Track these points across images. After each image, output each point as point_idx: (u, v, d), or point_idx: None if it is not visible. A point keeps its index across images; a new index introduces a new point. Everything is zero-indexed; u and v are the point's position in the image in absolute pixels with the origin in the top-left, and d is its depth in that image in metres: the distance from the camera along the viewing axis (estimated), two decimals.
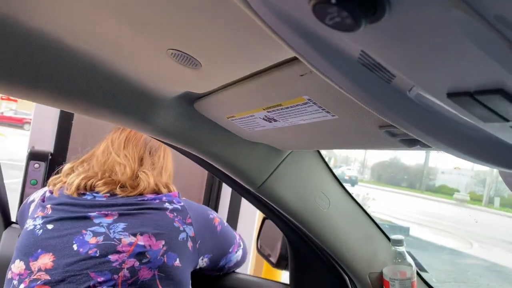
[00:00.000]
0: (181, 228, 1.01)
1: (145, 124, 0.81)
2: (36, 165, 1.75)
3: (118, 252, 0.92)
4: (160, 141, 1.00)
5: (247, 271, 2.17)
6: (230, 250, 1.22)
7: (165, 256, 0.95)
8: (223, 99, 0.71)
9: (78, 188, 1.05)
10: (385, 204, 13.58)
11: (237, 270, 1.46)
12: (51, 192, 1.08)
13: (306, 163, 1.03)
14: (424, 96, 0.35)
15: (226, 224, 1.23)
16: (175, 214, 1.03)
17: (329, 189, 1.07)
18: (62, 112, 1.88)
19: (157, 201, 1.03)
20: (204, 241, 1.08)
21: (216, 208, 2.08)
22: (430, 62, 0.27)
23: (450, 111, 0.35)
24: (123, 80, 0.72)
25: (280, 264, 1.40)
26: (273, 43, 0.45)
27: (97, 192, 1.04)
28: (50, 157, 1.78)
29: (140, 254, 0.93)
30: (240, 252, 1.29)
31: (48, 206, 1.02)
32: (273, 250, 1.46)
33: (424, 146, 0.54)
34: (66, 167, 1.15)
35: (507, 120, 0.29)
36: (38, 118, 1.88)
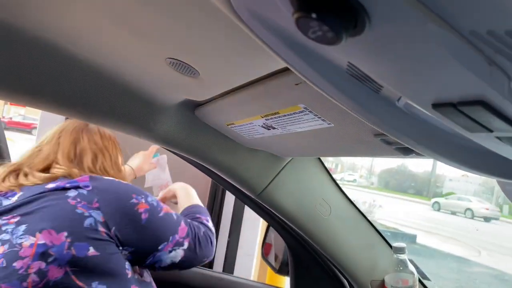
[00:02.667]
0: (86, 214, 0.89)
1: (147, 131, 0.82)
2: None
3: (21, 258, 0.84)
4: (164, 148, 1.00)
5: (250, 277, 2.17)
6: (160, 247, 0.98)
7: (72, 248, 0.85)
8: (222, 107, 0.72)
9: None
10: (392, 211, 13.48)
11: (238, 275, 1.47)
12: None
13: (307, 170, 1.04)
14: (413, 106, 0.35)
15: (164, 214, 1.00)
16: (78, 200, 0.90)
17: (330, 196, 1.07)
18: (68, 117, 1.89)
19: (59, 190, 0.92)
20: (122, 229, 0.92)
21: (219, 214, 2.09)
22: (413, 74, 0.28)
23: (440, 121, 0.35)
24: (124, 88, 0.73)
25: (282, 270, 1.41)
26: (268, 53, 0.46)
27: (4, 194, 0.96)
28: None
29: (43, 254, 0.84)
30: (179, 253, 1.02)
31: None
32: (276, 256, 1.46)
33: (419, 154, 0.55)
34: None
35: (491, 131, 0.30)
36: (44, 123, 1.91)
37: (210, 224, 1.16)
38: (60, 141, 1.06)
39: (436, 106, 0.30)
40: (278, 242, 1.41)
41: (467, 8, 0.20)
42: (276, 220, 1.21)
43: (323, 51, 0.32)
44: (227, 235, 2.07)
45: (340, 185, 1.14)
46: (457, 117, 0.29)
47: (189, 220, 1.08)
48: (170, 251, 1.00)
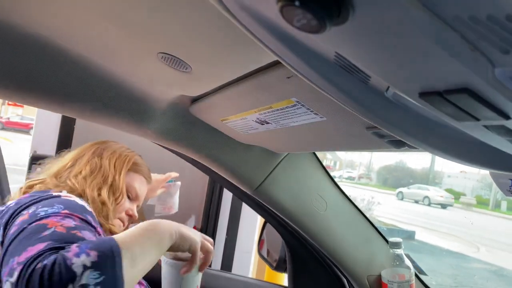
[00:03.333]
0: None
1: (141, 128, 0.82)
2: (39, 169, 1.77)
3: None
4: (158, 144, 1.00)
5: (248, 274, 2.17)
6: None
7: None
8: (216, 102, 0.72)
9: None
10: (391, 207, 13.51)
11: (236, 272, 1.47)
12: None
13: (303, 166, 1.04)
14: (401, 96, 0.35)
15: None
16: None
17: (326, 191, 1.07)
18: (64, 117, 1.90)
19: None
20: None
21: (217, 212, 2.09)
22: (398, 62, 0.28)
23: (429, 111, 0.35)
24: (117, 84, 0.73)
25: (279, 266, 1.41)
26: (260, 46, 0.46)
27: None
28: None
29: None
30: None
31: None
32: (274, 252, 1.46)
33: (411, 147, 0.55)
34: None
35: (478, 119, 0.30)
36: (40, 123, 1.91)
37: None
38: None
39: (423, 95, 0.30)
40: (275, 239, 1.41)
41: None
42: (273, 216, 1.21)
43: (311, 42, 0.32)
44: (225, 232, 2.07)
45: (338, 183, 1.14)
46: (444, 106, 0.29)
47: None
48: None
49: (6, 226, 0.75)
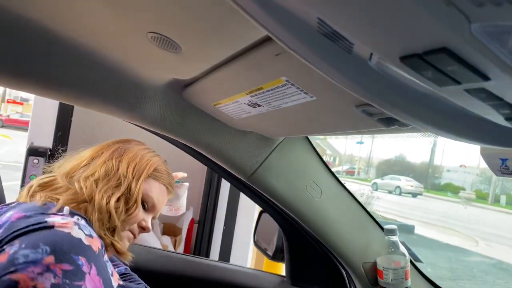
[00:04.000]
0: None
1: (133, 113, 0.83)
2: (35, 161, 1.77)
3: None
4: (151, 131, 1.00)
5: (247, 264, 2.18)
6: None
7: None
8: (208, 86, 0.72)
9: None
10: (390, 202, 13.56)
11: (234, 262, 1.47)
12: None
13: (297, 153, 1.04)
14: (385, 66, 0.35)
15: None
16: None
17: (320, 178, 1.08)
18: (60, 108, 1.90)
19: None
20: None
21: (215, 202, 2.09)
22: (378, 22, 0.28)
23: (415, 82, 0.35)
24: (109, 68, 0.73)
25: (276, 256, 1.41)
26: (247, 22, 0.46)
27: None
28: (49, 152, 1.80)
29: None
30: None
31: None
32: (270, 242, 1.47)
33: (401, 125, 0.55)
34: None
35: (458, 82, 0.30)
36: (36, 115, 1.91)
37: None
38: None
39: (403, 59, 0.30)
40: (271, 229, 1.41)
41: None
42: (270, 205, 1.21)
43: (293, 8, 0.32)
44: (223, 223, 2.08)
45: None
46: (424, 70, 0.30)
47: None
48: None
49: None
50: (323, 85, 0.53)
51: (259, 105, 0.69)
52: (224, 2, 0.45)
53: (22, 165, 1.84)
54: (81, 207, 0.78)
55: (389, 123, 0.55)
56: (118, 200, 0.81)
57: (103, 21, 0.57)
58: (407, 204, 14.02)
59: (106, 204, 0.79)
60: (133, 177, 0.84)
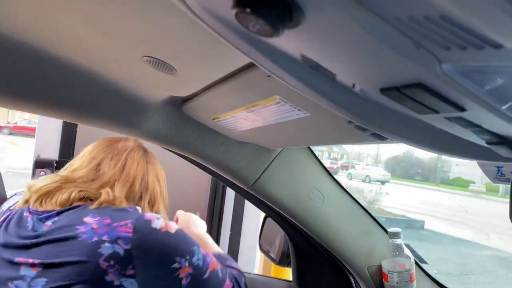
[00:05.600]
0: (116, 283, 0.77)
1: (134, 129, 0.84)
2: (42, 173, 1.80)
3: None
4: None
5: (254, 269, 2.19)
6: None
7: None
8: (206, 101, 0.74)
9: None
10: (400, 198, 13.52)
11: (242, 267, 1.47)
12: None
13: (298, 161, 1.05)
14: (368, 92, 0.36)
15: (209, 274, 0.89)
16: (112, 263, 0.75)
17: (322, 185, 1.09)
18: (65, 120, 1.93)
19: (94, 238, 0.75)
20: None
21: (221, 207, 2.11)
22: (355, 61, 0.29)
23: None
24: (108, 87, 0.75)
25: (282, 261, 1.42)
26: None
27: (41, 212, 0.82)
28: (56, 164, 1.83)
29: None
30: None
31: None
32: (275, 247, 1.48)
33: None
34: None
35: (437, 112, 0.31)
36: (42, 127, 1.94)
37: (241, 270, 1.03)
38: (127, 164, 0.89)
39: (383, 90, 0.31)
40: (275, 233, 1.42)
41: None
42: (275, 211, 1.22)
43: (276, 43, 0.33)
44: (229, 228, 2.09)
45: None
46: (403, 100, 0.31)
47: (232, 272, 0.96)
48: None
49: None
50: (315, 103, 0.54)
51: (256, 120, 0.70)
52: None
53: (30, 172, 1.88)
54: None
55: (382, 138, 0.56)
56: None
57: (99, 46, 0.58)
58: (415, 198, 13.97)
59: None
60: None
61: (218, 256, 1.00)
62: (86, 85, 0.73)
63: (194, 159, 0.98)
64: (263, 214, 2.13)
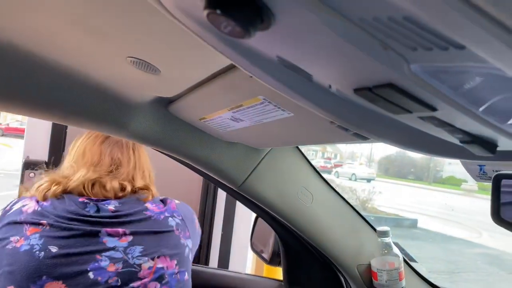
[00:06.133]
0: (185, 243, 1.02)
1: (121, 129, 0.84)
2: (31, 174, 1.79)
3: (140, 279, 0.91)
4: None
5: (246, 269, 2.19)
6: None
7: (178, 274, 0.98)
8: (192, 102, 0.74)
9: (79, 191, 0.97)
10: (393, 197, 13.60)
11: (234, 268, 1.48)
12: (38, 201, 0.95)
13: (287, 160, 1.05)
14: (343, 92, 0.37)
15: None
16: (180, 230, 1.02)
17: (311, 184, 1.09)
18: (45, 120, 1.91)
19: (162, 216, 1.00)
20: (194, 248, 1.10)
21: (213, 207, 2.11)
22: (326, 62, 0.29)
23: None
24: (95, 88, 0.75)
25: (273, 260, 1.42)
26: None
27: (97, 200, 0.96)
28: (45, 165, 1.82)
29: (159, 277, 0.94)
30: None
31: (44, 221, 0.89)
32: (266, 247, 1.48)
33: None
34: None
35: (410, 112, 0.31)
36: (31, 128, 1.92)
37: None
38: (136, 155, 1.09)
39: (357, 90, 0.31)
40: (267, 233, 1.43)
41: None
42: (265, 211, 1.22)
43: (252, 44, 0.33)
44: (221, 228, 2.09)
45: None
46: (377, 100, 0.31)
47: None
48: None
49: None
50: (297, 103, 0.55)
51: (242, 120, 0.71)
52: None
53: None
54: None
55: (364, 137, 0.57)
56: None
57: (84, 48, 0.58)
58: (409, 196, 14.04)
59: None
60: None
61: None
62: (73, 86, 0.73)
63: (182, 159, 0.98)
64: (254, 214, 2.14)
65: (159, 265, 0.94)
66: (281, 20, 0.26)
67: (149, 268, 0.92)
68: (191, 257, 1.06)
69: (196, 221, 1.14)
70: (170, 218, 1.01)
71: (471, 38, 0.20)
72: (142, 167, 1.09)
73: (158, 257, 0.94)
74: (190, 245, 1.04)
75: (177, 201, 1.10)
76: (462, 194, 16.85)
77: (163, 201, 1.06)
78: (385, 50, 0.24)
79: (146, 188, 1.04)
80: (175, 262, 0.97)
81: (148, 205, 1.00)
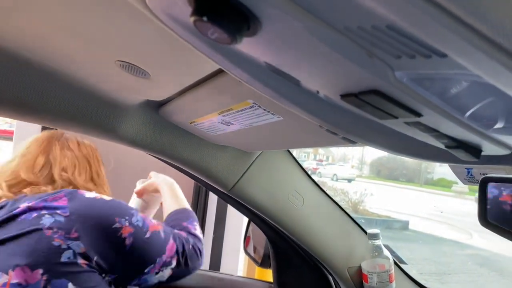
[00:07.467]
0: (64, 246, 0.79)
1: (112, 133, 0.84)
2: None
3: None
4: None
5: (238, 272, 2.19)
6: (146, 270, 0.91)
7: (48, 286, 0.77)
8: (182, 105, 0.74)
9: None
10: (384, 198, 13.66)
11: (225, 270, 1.48)
12: None
13: (277, 163, 1.06)
14: (330, 98, 0.37)
15: (151, 234, 0.92)
16: (55, 230, 0.80)
17: (302, 187, 1.09)
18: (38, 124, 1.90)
19: (33, 215, 0.81)
20: (104, 258, 0.85)
21: (204, 210, 2.10)
22: (313, 68, 0.29)
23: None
24: (84, 91, 0.75)
25: (264, 263, 1.43)
26: None
27: None
28: None
29: None
30: (167, 272, 0.95)
31: None
32: (258, 249, 1.48)
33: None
34: None
35: (396, 117, 0.32)
36: (21, 131, 1.91)
37: (198, 231, 1.07)
38: (28, 151, 0.94)
39: (343, 96, 0.31)
40: (259, 236, 1.43)
41: (334, 7, 0.22)
42: (255, 214, 1.22)
43: (240, 50, 0.33)
44: (212, 231, 2.09)
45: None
46: (363, 106, 0.31)
47: (177, 233, 0.99)
48: (157, 273, 0.93)
49: None
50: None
51: (232, 124, 0.71)
52: None
53: None
54: None
55: (353, 141, 0.57)
56: None
57: (74, 51, 0.58)
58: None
59: None
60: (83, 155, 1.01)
61: (182, 212, 1.11)
62: (62, 90, 0.72)
63: (173, 162, 0.98)
64: (245, 218, 2.14)
65: (15, 280, 0.75)
66: (268, 27, 0.26)
67: (3, 285, 0.76)
68: (86, 265, 0.81)
69: (116, 232, 0.86)
70: (44, 217, 0.81)
71: (451, 46, 0.21)
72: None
73: (13, 269, 0.76)
74: (79, 249, 0.80)
75: (92, 195, 0.88)
76: (453, 196, 16.98)
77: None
78: (370, 58, 0.25)
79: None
80: (40, 272, 0.77)
81: (21, 204, 0.84)
